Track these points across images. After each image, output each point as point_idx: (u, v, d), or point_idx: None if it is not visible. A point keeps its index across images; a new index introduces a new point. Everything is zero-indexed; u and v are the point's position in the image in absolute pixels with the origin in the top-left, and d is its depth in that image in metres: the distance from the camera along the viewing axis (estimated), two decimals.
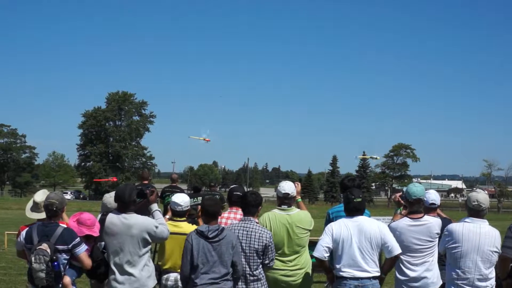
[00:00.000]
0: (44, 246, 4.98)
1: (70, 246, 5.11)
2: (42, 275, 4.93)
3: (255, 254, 5.27)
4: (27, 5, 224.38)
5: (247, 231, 5.30)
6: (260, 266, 5.33)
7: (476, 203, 5.23)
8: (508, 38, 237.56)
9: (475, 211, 5.26)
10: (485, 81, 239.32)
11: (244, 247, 5.26)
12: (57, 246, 5.07)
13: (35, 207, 5.59)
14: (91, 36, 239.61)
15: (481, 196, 5.25)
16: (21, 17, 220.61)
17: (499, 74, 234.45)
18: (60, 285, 5.12)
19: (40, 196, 5.57)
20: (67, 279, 5.17)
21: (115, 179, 76.55)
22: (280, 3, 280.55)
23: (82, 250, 5.16)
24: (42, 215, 5.39)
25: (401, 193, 6.07)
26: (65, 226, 5.24)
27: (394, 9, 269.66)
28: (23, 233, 5.29)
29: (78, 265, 5.26)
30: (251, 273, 5.26)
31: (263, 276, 5.35)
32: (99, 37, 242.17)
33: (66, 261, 5.16)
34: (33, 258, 4.96)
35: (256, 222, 5.43)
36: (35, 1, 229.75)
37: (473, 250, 5.11)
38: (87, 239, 5.37)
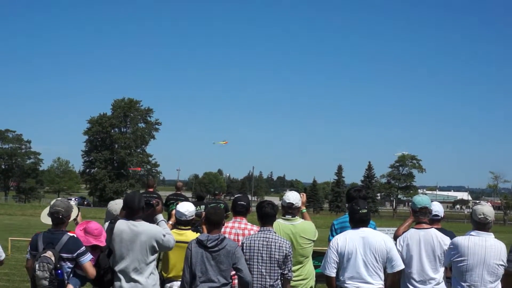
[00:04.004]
0: (49, 253, 4.97)
1: (74, 255, 5.08)
2: (45, 282, 4.91)
3: (275, 265, 5.17)
4: (33, 11, 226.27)
5: (267, 242, 5.20)
6: (279, 277, 5.22)
7: (482, 216, 5.21)
8: None
9: (481, 224, 5.23)
10: (493, 93, 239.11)
11: (265, 258, 5.17)
12: (62, 254, 5.05)
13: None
14: (97, 43, 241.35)
15: (486, 209, 5.23)
16: (27, 23, 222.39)
17: (507, 85, 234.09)
18: None
19: None
20: None
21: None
22: (288, 14, 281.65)
23: (87, 260, 5.13)
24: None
25: None
26: (71, 234, 5.21)
27: (397, 16, 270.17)
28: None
29: (82, 274, 5.23)
30: (271, 283, 5.15)
31: None
32: (105, 43, 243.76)
33: (70, 270, 5.13)
34: (37, 266, 4.94)
35: (275, 232, 5.35)
36: (41, 7, 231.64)
37: (479, 264, 5.08)
38: (93, 248, 5.34)
